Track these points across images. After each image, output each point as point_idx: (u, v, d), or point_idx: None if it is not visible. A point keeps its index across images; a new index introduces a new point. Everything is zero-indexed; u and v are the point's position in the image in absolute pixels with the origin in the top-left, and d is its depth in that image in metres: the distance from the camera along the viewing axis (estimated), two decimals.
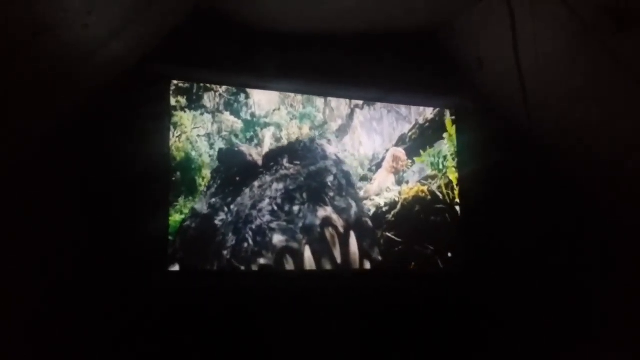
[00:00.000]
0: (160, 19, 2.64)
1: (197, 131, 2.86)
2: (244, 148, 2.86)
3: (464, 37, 3.17)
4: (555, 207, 3.37)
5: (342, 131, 3.26)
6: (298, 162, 2.93)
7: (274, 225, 2.74)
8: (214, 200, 2.74)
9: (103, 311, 2.56)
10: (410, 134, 3.36)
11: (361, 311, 2.98)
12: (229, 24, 2.93)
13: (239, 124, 2.97)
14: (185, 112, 2.87)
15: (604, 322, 3.16)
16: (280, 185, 2.87)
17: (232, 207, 2.75)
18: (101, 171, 2.67)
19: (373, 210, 3.09)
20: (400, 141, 3.32)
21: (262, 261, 2.70)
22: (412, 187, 3.23)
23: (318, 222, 2.85)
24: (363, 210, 3.03)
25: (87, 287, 2.56)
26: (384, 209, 3.11)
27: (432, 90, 3.36)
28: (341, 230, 2.88)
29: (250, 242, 2.70)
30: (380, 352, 2.99)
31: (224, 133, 2.92)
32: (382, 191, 3.19)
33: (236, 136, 2.93)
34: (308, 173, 2.93)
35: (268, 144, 2.98)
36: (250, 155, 2.85)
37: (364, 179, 3.15)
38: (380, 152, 3.29)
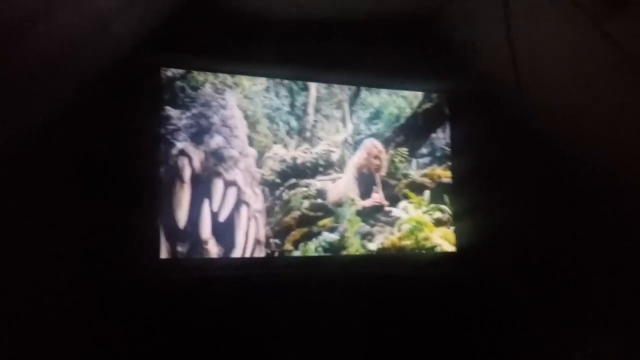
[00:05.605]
0: (152, 6, 2.62)
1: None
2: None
3: (458, 21, 3.15)
4: (554, 194, 3.36)
5: None
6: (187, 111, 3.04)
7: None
8: None
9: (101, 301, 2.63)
10: None
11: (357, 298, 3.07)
12: (222, 11, 2.92)
13: None
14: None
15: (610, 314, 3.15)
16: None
17: None
18: (91, 161, 2.71)
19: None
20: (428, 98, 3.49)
21: None
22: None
23: (175, 153, 2.96)
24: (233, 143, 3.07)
25: (80, 278, 2.63)
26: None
27: (428, 75, 3.36)
28: (195, 157, 2.99)
29: None
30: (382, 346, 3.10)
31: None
32: (344, 201, 3.22)
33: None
34: (185, 117, 3.03)
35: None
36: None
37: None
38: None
